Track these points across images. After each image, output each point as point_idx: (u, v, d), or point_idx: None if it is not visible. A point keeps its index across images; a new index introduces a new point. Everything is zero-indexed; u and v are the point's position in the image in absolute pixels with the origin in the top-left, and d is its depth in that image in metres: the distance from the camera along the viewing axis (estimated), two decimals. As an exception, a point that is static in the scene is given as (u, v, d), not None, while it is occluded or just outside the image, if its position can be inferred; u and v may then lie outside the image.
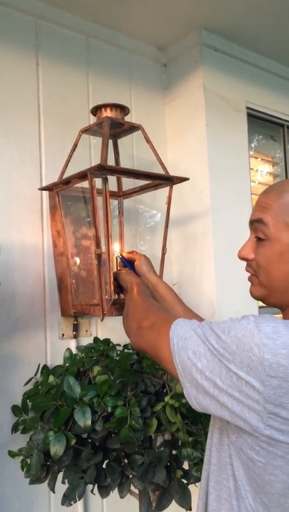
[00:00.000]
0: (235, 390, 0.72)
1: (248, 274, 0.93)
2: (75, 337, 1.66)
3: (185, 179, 1.53)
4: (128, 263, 1.37)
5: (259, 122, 2.17)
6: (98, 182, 1.39)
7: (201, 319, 1.11)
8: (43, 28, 1.70)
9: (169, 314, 1.01)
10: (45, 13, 1.69)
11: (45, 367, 1.54)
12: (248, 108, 2.04)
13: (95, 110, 1.51)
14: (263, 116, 2.14)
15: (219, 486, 0.84)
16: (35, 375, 1.52)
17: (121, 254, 1.41)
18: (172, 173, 1.53)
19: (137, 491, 1.38)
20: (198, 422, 1.26)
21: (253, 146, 2.21)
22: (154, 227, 1.95)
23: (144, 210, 1.95)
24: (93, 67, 1.83)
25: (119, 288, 1.37)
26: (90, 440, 1.27)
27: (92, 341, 1.60)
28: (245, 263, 0.93)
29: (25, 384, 1.50)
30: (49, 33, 1.72)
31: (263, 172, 2.28)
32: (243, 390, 0.72)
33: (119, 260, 1.41)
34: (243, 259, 0.91)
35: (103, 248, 1.36)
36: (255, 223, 0.89)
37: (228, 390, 0.73)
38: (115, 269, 1.40)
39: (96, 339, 1.54)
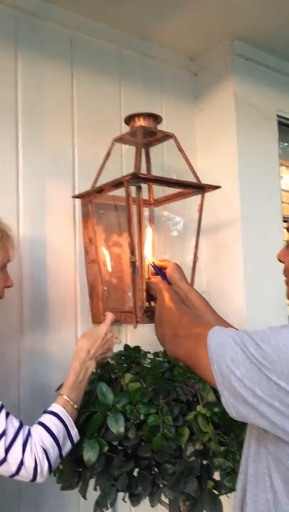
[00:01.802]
0: (275, 399, 0.72)
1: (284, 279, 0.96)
2: (105, 344, 1.67)
3: (217, 187, 1.54)
4: (160, 271, 1.38)
5: (286, 130, 2.16)
6: (131, 190, 1.41)
7: (232, 328, 1.11)
8: (77, 39, 1.73)
9: (205, 322, 1.01)
10: (80, 25, 1.72)
11: (76, 373, 1.55)
12: (278, 116, 2.03)
13: (128, 119, 1.53)
14: (293, 124, 2.13)
15: (256, 498, 0.83)
16: (67, 381, 1.53)
17: (153, 262, 1.42)
18: (202, 181, 1.54)
19: (167, 501, 1.37)
20: (230, 432, 1.25)
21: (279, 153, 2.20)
22: (182, 235, 1.95)
23: (174, 218, 1.96)
24: (125, 77, 1.86)
25: (150, 296, 1.38)
26: (120, 448, 1.27)
27: (121, 348, 1.60)
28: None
29: (57, 390, 1.51)
30: (83, 45, 1.75)
31: (286, 180, 2.25)
32: (285, 401, 0.71)
33: (150, 268, 1.42)
34: (279, 260, 0.96)
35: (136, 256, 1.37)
36: (286, 229, 0.95)
37: (268, 400, 0.72)
38: (147, 277, 1.40)
39: (127, 346, 1.54)
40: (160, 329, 1.07)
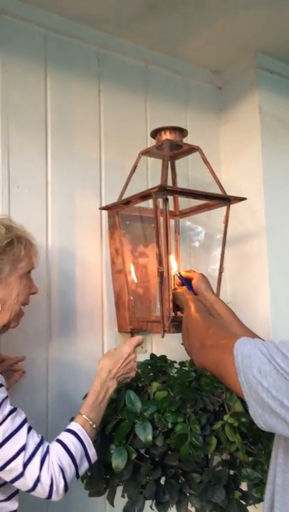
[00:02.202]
0: None
1: None
2: (131, 353, 1.70)
3: (242, 199, 1.56)
4: (186, 281, 1.40)
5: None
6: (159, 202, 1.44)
7: (259, 338, 1.12)
8: (104, 56, 1.79)
9: (231, 332, 1.03)
10: (107, 43, 1.78)
11: (102, 381, 1.57)
12: (303, 128, 2.05)
13: (155, 133, 1.57)
14: None
15: (285, 508, 0.84)
16: (94, 389, 1.55)
17: (179, 273, 1.44)
18: (227, 193, 1.56)
19: (193, 510, 1.37)
20: (258, 442, 1.26)
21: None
22: (207, 246, 1.97)
23: (197, 229, 1.98)
24: (151, 91, 1.90)
25: (176, 306, 1.39)
26: (148, 456, 1.29)
27: (147, 358, 1.62)
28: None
29: (84, 398, 1.54)
30: (110, 61, 1.80)
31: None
32: None
33: (177, 278, 1.44)
34: None
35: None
36: None
37: None
38: (173, 288, 1.43)
39: (153, 355, 1.56)
40: (187, 340, 1.09)
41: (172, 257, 1.45)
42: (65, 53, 1.70)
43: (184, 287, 1.42)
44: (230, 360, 0.83)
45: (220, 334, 0.97)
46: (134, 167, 1.59)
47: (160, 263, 1.34)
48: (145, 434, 1.18)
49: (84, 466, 1.08)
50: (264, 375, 0.76)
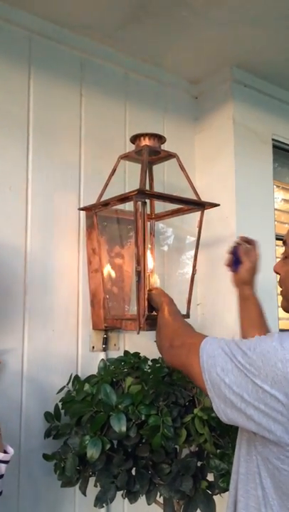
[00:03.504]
0: (261, 403, 0.79)
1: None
2: (104, 350, 1.75)
3: (216, 205, 1.64)
4: (237, 259, 1.30)
5: (281, 152, 2.28)
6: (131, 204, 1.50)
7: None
8: (87, 62, 1.84)
9: (197, 333, 1.07)
10: (90, 49, 1.83)
11: (76, 377, 1.62)
12: (273, 140, 2.16)
13: (134, 138, 1.63)
14: (287, 147, 2.25)
15: (248, 495, 0.90)
16: (68, 383, 1.60)
17: (237, 245, 1.32)
18: (200, 199, 1.64)
19: (161, 500, 1.44)
20: (225, 435, 1.33)
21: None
22: (180, 249, 2.05)
23: (172, 232, 2.05)
24: (130, 98, 1.97)
25: (151, 307, 1.44)
26: (120, 447, 1.34)
27: (119, 355, 1.68)
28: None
29: (58, 392, 1.58)
30: (92, 67, 1.86)
31: (277, 199, 2.36)
32: (268, 403, 0.78)
33: (232, 248, 1.32)
34: (275, 272, 1.05)
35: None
36: (283, 243, 1.02)
37: (255, 403, 0.79)
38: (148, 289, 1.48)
39: (126, 352, 1.62)
40: (159, 340, 1.16)
41: (149, 257, 1.50)
42: (49, 57, 1.74)
43: (159, 289, 1.44)
44: (196, 360, 0.89)
45: (187, 335, 1.04)
46: (114, 170, 1.65)
47: (138, 262, 1.40)
48: (119, 425, 1.24)
49: None
50: (226, 372, 0.83)
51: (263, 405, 0.78)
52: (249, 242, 1.30)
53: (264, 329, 1.27)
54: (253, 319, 1.29)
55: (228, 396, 0.82)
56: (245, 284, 1.30)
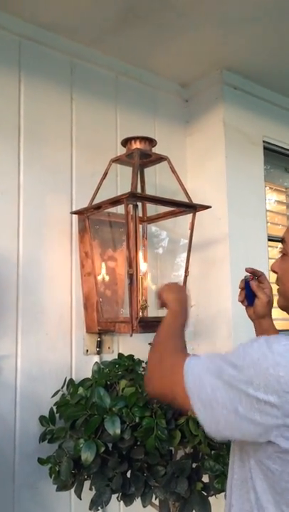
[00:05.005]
0: (256, 412, 0.77)
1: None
2: (98, 353, 1.75)
3: (207, 207, 1.65)
4: (251, 293, 1.20)
5: (272, 154, 2.29)
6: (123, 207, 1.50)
7: None
8: (77, 65, 1.85)
9: (181, 353, 0.97)
10: (80, 53, 1.84)
11: (71, 381, 1.62)
12: (264, 142, 2.17)
13: (125, 142, 1.64)
14: (278, 149, 2.27)
15: (242, 500, 0.90)
16: (62, 387, 1.60)
17: (251, 278, 1.23)
18: (192, 201, 1.65)
19: (156, 502, 1.44)
20: (219, 435, 1.33)
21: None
22: (173, 251, 2.05)
23: (164, 235, 2.06)
24: (121, 101, 1.97)
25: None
26: (115, 450, 1.34)
27: (114, 357, 1.68)
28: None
29: (53, 396, 1.58)
30: (82, 71, 1.86)
31: (270, 200, 2.38)
32: (263, 410, 0.76)
33: (243, 283, 1.23)
34: (273, 271, 1.03)
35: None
36: (281, 242, 1.01)
37: (249, 415, 0.77)
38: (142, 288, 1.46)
39: (120, 355, 1.62)
40: (151, 352, 1.06)
41: (141, 260, 1.51)
42: (39, 61, 1.75)
43: (172, 284, 1.30)
44: (181, 382, 0.85)
45: (169, 351, 0.96)
46: (105, 173, 1.65)
47: (130, 265, 1.41)
48: (114, 428, 1.24)
49: None
50: (216, 391, 0.80)
51: (258, 416, 0.77)
52: (256, 273, 1.23)
53: None
54: None
55: (221, 415, 0.80)
56: (263, 318, 1.22)
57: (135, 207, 1.47)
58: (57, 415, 1.53)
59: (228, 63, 2.00)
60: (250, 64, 2.00)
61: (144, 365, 1.55)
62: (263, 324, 1.22)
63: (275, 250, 2.16)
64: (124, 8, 1.62)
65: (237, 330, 1.90)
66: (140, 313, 1.47)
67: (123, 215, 1.61)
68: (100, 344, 1.76)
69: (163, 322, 1.09)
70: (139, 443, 1.30)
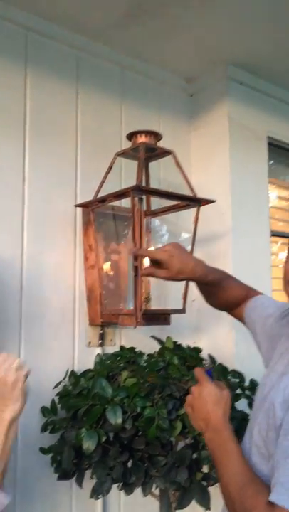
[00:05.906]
0: None
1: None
2: (101, 345, 1.77)
3: (212, 201, 1.66)
4: (210, 375, 1.07)
5: (276, 150, 2.30)
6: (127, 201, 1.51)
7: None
8: (83, 59, 1.85)
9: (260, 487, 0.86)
10: (86, 47, 1.85)
11: (72, 372, 1.64)
12: (268, 137, 2.17)
13: (131, 136, 1.65)
14: (282, 145, 2.27)
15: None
16: (64, 378, 1.61)
17: (207, 368, 1.22)
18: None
19: (156, 492, 1.46)
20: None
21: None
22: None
23: (168, 229, 2.07)
24: (127, 95, 1.98)
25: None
26: (117, 440, 1.36)
27: (115, 350, 1.70)
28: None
29: (55, 387, 1.60)
30: (88, 65, 1.87)
31: (272, 196, 2.39)
32: None
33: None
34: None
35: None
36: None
37: None
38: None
39: (122, 347, 1.64)
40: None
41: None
42: (45, 55, 1.76)
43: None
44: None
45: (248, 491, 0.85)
46: (110, 167, 1.66)
47: (135, 258, 1.42)
48: (115, 418, 1.25)
49: None
50: None
51: None
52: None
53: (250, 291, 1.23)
54: (228, 283, 1.26)
55: None
56: (206, 277, 1.19)
57: (140, 200, 1.48)
58: (58, 406, 1.55)
59: (234, 58, 2.00)
60: (256, 59, 2.00)
61: (145, 357, 1.56)
62: (202, 279, 1.19)
63: (277, 246, 2.17)
64: (131, 2, 1.62)
65: (238, 324, 1.90)
66: (144, 306, 1.48)
67: (127, 209, 1.62)
68: (102, 336, 1.77)
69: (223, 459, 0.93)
70: (140, 433, 1.31)
